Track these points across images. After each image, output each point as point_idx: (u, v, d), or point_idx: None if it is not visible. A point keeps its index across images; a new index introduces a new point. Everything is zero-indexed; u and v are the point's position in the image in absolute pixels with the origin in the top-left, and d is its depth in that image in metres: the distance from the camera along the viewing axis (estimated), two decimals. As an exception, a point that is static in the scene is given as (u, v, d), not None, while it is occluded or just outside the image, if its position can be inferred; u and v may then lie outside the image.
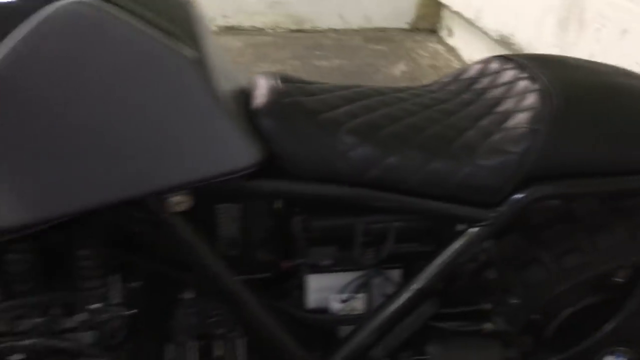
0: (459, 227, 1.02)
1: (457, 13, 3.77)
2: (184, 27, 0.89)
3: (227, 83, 0.95)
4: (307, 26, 4.20)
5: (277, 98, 0.97)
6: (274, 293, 1.07)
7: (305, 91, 1.02)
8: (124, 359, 0.99)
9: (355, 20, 4.22)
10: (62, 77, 0.80)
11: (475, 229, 1.00)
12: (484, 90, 1.09)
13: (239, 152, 0.90)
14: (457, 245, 1.01)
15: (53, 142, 0.81)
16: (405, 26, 4.28)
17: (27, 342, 0.92)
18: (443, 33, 4.17)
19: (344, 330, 1.08)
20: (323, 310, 1.07)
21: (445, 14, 4.12)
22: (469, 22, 3.57)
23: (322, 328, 1.09)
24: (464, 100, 1.07)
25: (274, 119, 0.94)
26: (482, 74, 1.14)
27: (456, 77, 1.16)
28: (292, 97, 0.99)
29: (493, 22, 3.24)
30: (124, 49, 0.81)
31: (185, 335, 1.01)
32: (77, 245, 0.95)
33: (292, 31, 4.18)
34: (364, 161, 0.95)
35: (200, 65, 0.87)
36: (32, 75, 0.79)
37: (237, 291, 0.98)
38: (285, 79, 1.03)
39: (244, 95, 0.99)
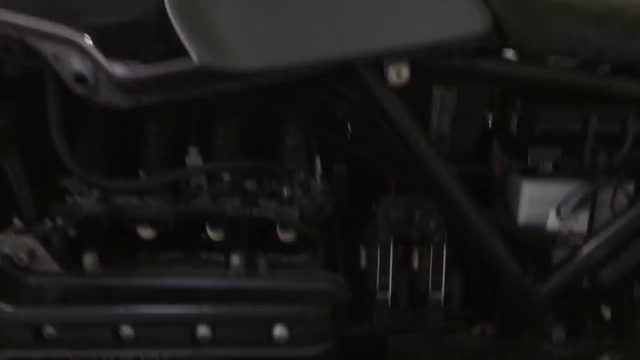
0: None
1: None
2: None
3: None
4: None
5: None
6: (480, 201, 0.97)
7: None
8: (321, 253, 0.92)
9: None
10: None
11: None
12: None
13: (469, 19, 0.82)
14: None
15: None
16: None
17: (230, 210, 0.88)
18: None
19: (559, 250, 0.95)
20: (537, 225, 0.94)
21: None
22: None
23: (534, 245, 0.95)
24: None
25: None
26: None
27: None
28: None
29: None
30: None
31: (387, 233, 0.92)
32: (286, 121, 0.91)
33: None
34: (603, 44, 0.84)
35: None
36: None
37: (450, 186, 0.88)
38: None
39: None
